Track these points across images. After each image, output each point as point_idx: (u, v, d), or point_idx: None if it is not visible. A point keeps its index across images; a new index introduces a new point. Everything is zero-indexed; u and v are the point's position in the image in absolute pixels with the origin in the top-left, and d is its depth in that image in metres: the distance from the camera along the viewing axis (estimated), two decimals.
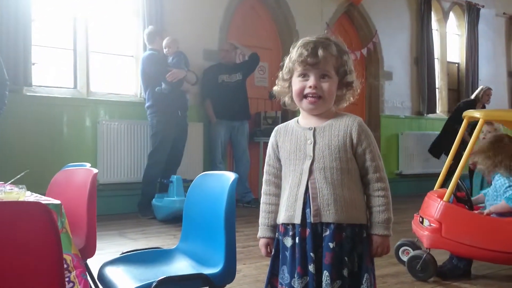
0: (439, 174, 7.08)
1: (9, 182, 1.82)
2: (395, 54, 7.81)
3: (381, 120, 7.61)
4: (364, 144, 1.52)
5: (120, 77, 5.69)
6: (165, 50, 5.25)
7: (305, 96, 1.51)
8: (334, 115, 1.57)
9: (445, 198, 2.87)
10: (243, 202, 5.91)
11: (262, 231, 1.62)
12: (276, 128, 1.65)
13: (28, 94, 4.94)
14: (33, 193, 1.77)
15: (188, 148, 5.55)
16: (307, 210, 1.50)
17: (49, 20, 5.26)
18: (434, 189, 3.27)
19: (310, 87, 1.49)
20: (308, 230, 1.49)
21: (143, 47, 5.46)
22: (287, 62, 1.55)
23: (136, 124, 5.47)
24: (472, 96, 6.87)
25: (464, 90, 8.72)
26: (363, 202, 1.54)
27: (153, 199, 5.02)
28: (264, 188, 1.64)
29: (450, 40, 8.84)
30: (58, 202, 1.52)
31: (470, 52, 8.75)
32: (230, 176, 1.72)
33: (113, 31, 5.64)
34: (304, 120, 1.59)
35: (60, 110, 5.09)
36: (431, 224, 2.86)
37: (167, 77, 5.06)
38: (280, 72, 1.58)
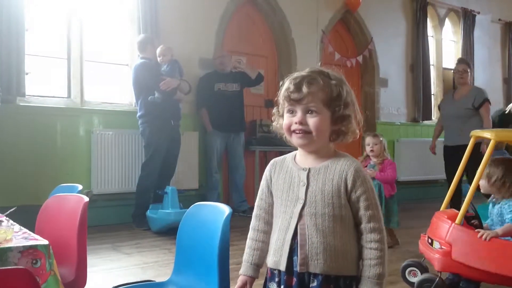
0: (435, 181, 7.12)
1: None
2: (391, 61, 7.79)
3: (377, 127, 7.58)
4: (359, 191, 1.42)
5: (114, 86, 5.64)
6: (159, 59, 5.19)
7: (294, 131, 1.45)
8: (333, 155, 1.48)
9: (457, 221, 2.81)
10: (239, 212, 5.88)
11: (244, 269, 1.55)
12: (272, 161, 1.57)
13: (21, 104, 4.89)
14: (21, 227, 1.73)
15: (184, 158, 5.51)
16: (294, 257, 1.42)
17: (42, 29, 5.21)
18: (441, 209, 3.21)
19: (296, 123, 1.43)
20: (294, 279, 1.41)
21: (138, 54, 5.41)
22: (279, 97, 1.49)
23: (131, 134, 5.42)
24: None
25: None
26: (356, 253, 1.44)
27: (148, 211, 4.98)
28: (252, 222, 1.57)
29: (445, 46, 8.83)
30: (46, 242, 1.49)
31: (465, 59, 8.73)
32: (225, 209, 1.69)
33: (107, 39, 5.59)
34: (300, 158, 1.51)
35: (54, 120, 5.05)
36: (442, 247, 2.81)
37: (160, 85, 5.01)
38: (275, 108, 1.52)
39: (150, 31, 5.48)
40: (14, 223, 1.83)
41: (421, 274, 3.07)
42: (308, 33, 6.91)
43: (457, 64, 5.60)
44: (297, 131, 1.43)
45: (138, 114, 5.18)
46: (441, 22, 8.68)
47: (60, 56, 5.28)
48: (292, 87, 1.41)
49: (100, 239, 4.46)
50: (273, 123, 1.53)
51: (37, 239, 1.54)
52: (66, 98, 5.30)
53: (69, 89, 5.31)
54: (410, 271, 3.16)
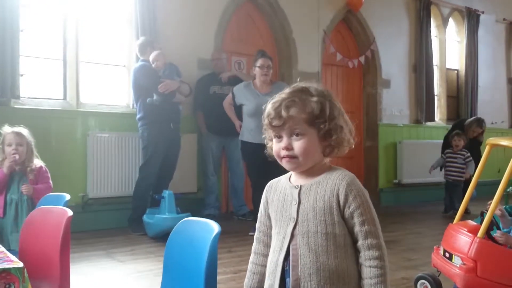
0: (437, 183, 7.00)
1: None
2: (393, 62, 7.68)
3: (379, 128, 7.48)
4: (352, 206, 1.33)
5: (111, 88, 5.54)
6: (153, 65, 5.05)
7: (283, 157, 1.39)
8: (327, 169, 1.41)
9: (479, 235, 2.68)
10: (238, 215, 5.79)
11: None
12: (269, 183, 1.52)
13: (16, 106, 4.80)
14: (0, 246, 1.63)
15: (181, 160, 5.40)
16: (287, 279, 1.35)
17: (37, 29, 5.12)
18: (455, 221, 3.08)
19: (283, 148, 1.37)
20: None
21: (136, 56, 5.30)
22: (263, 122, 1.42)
23: (128, 136, 5.33)
24: None
25: (463, 97, 8.61)
26: (355, 273, 1.35)
27: (144, 215, 4.88)
28: (253, 245, 1.52)
29: (449, 46, 8.72)
30: (20, 265, 1.38)
31: (469, 59, 8.63)
32: (214, 227, 1.59)
33: (104, 40, 5.50)
34: (294, 177, 1.45)
35: (49, 122, 4.95)
36: (464, 263, 2.68)
37: (159, 88, 4.92)
38: (264, 132, 1.45)
39: (149, 31, 5.38)
40: None
41: None
42: (309, 33, 6.81)
43: (263, 59, 4.87)
44: (285, 157, 1.38)
45: (138, 116, 5.09)
46: (444, 22, 8.56)
47: (56, 57, 5.19)
48: (272, 113, 1.36)
49: (94, 245, 4.37)
50: (267, 147, 1.47)
51: (12, 261, 1.44)
52: (61, 100, 5.21)
53: (65, 91, 5.22)
54: (421, 284, 3.04)
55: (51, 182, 3.33)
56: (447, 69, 8.64)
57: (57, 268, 1.84)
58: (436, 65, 8.41)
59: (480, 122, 6.59)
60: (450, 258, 2.80)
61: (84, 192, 5.07)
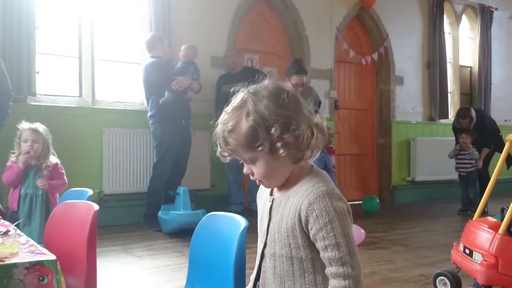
0: (451, 181, 6.96)
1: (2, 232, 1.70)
2: (407, 58, 7.64)
3: (392, 125, 7.45)
4: (314, 229, 1.16)
5: (126, 85, 5.57)
6: (180, 54, 5.20)
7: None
8: (303, 177, 1.24)
9: (501, 231, 2.68)
10: (252, 211, 5.80)
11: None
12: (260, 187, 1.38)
13: (32, 103, 4.84)
14: (28, 239, 1.66)
15: (194, 157, 5.42)
16: None
17: (53, 27, 5.15)
18: (475, 217, 3.08)
19: (246, 174, 1.27)
20: None
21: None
22: None
23: (142, 133, 5.36)
24: None
25: (476, 94, 8.55)
26: None
27: (159, 211, 4.91)
28: None
29: (462, 43, 8.66)
30: (53, 257, 1.40)
31: (483, 56, 8.57)
32: (241, 222, 1.60)
33: (119, 38, 5.53)
34: None
35: (65, 119, 4.98)
36: (485, 259, 2.68)
37: (172, 85, 4.94)
38: None
39: (163, 29, 5.40)
40: (22, 234, 1.76)
41: (452, 285, 2.94)
42: (322, 30, 6.79)
43: (298, 76, 4.79)
44: (254, 180, 1.28)
45: (149, 114, 5.11)
46: (458, 19, 8.50)
47: (72, 54, 5.22)
48: (219, 148, 1.25)
49: (111, 241, 4.40)
50: None
51: (44, 254, 1.46)
52: (77, 97, 5.25)
53: (81, 88, 5.26)
54: (441, 281, 3.03)
55: (65, 178, 3.37)
56: (460, 66, 8.59)
57: (83, 262, 1.86)
58: (450, 62, 8.36)
59: (462, 113, 6.45)
60: (470, 254, 2.79)
61: (99, 189, 5.11)
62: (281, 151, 1.17)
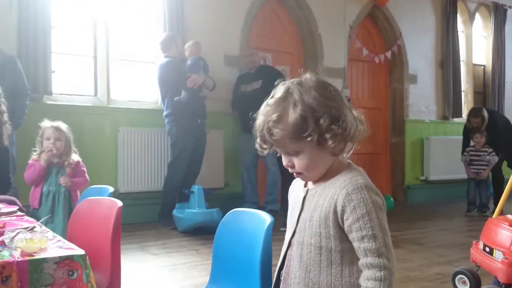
0: (465, 180, 6.93)
1: (30, 227, 1.71)
2: (420, 57, 7.60)
3: (406, 124, 7.42)
4: (350, 219, 1.16)
5: (140, 85, 5.60)
6: (186, 53, 5.18)
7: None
8: (341, 170, 1.25)
9: None
10: (267, 210, 5.78)
11: None
12: (294, 180, 1.39)
13: (48, 102, 4.88)
14: (55, 234, 1.67)
15: (208, 156, 5.43)
16: None
17: (69, 27, 5.19)
18: (494, 215, 3.05)
19: (286, 167, 1.27)
20: None
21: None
22: None
23: (157, 132, 5.38)
24: None
25: (490, 93, 8.49)
26: None
27: (174, 210, 4.93)
28: None
29: (476, 42, 8.59)
30: (82, 252, 1.42)
31: (496, 54, 8.50)
32: (266, 218, 1.60)
33: (133, 37, 5.56)
34: None
35: (81, 118, 5.01)
36: (506, 257, 2.65)
37: (187, 82, 4.95)
38: None
39: (176, 28, 5.42)
40: (47, 229, 1.77)
41: (471, 284, 2.92)
42: (335, 28, 6.78)
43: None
44: (293, 173, 1.28)
45: (165, 113, 5.13)
46: (471, 17, 8.44)
47: (87, 54, 5.25)
48: (258, 137, 1.24)
49: (127, 239, 4.42)
50: None
51: (72, 248, 1.47)
52: (92, 96, 5.28)
53: (96, 88, 5.29)
54: (460, 279, 3.01)
55: (87, 176, 3.39)
56: (474, 64, 8.53)
57: (107, 258, 1.88)
58: (463, 61, 8.30)
59: (473, 112, 6.33)
60: (490, 252, 2.77)
61: (115, 187, 5.13)
62: (330, 142, 1.18)
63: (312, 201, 1.25)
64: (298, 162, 1.23)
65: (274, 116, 1.19)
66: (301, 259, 1.23)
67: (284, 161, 1.25)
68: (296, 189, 1.35)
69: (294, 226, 1.27)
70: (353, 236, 1.17)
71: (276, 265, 1.35)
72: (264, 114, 1.22)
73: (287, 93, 1.21)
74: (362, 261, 1.16)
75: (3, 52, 4.32)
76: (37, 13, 4.72)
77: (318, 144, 1.19)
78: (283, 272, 1.29)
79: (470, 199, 6.21)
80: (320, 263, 1.20)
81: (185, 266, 3.61)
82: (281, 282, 1.27)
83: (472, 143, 6.20)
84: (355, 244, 1.17)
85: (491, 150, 6.13)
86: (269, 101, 1.23)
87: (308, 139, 1.18)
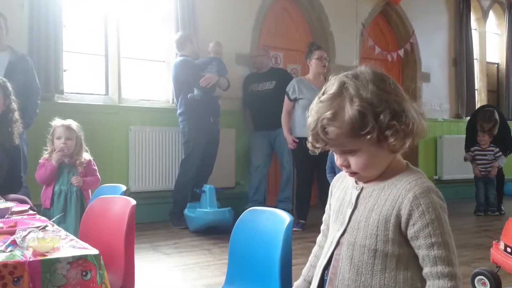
0: None
1: (42, 226, 1.68)
2: (433, 55, 7.51)
3: None
4: (418, 224, 1.09)
5: (151, 83, 5.57)
6: (210, 50, 5.25)
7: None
8: (400, 171, 1.18)
9: None
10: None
11: (298, 281, 1.38)
12: (338, 174, 1.35)
13: (59, 101, 4.86)
14: (67, 234, 1.63)
15: (219, 155, 5.38)
16: None
17: (80, 25, 5.17)
18: None
19: (340, 166, 1.19)
20: None
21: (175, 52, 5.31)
22: None
23: (168, 131, 5.35)
24: None
25: (504, 92, 8.37)
26: None
27: (185, 209, 4.89)
28: (318, 236, 1.40)
29: (489, 39, 8.48)
30: (96, 252, 1.37)
31: (510, 52, 8.39)
32: (285, 217, 1.55)
33: (144, 36, 5.53)
34: None
35: (92, 117, 4.97)
36: None
37: (200, 82, 4.92)
38: None
39: (188, 27, 5.38)
40: (60, 229, 1.74)
41: (491, 285, 2.85)
42: (347, 26, 6.71)
43: (320, 51, 5.01)
44: (347, 172, 1.21)
45: (178, 111, 5.10)
46: (485, 15, 8.33)
47: (98, 53, 5.23)
48: (311, 139, 1.16)
49: (138, 238, 4.34)
50: None
51: (86, 248, 1.43)
52: (104, 95, 5.26)
53: (107, 86, 5.27)
54: (479, 280, 2.94)
55: (98, 174, 3.36)
56: (487, 62, 8.42)
57: (120, 258, 1.84)
58: (476, 59, 8.20)
59: (486, 117, 6.15)
60: (511, 253, 2.70)
61: (126, 186, 5.10)
62: (391, 139, 1.10)
63: (369, 201, 1.17)
64: (355, 161, 1.15)
65: (328, 114, 1.10)
66: (351, 260, 1.16)
67: (339, 161, 1.18)
68: (345, 184, 1.27)
69: (345, 225, 1.19)
70: (419, 242, 1.10)
71: (296, 265, 1.30)
72: (316, 112, 1.13)
73: (342, 87, 1.12)
74: (431, 269, 1.09)
75: (14, 50, 4.30)
76: (48, 11, 4.70)
77: (378, 142, 1.11)
78: (328, 272, 1.21)
79: (479, 199, 6.13)
80: (373, 267, 1.13)
81: (198, 266, 3.57)
82: (326, 282, 1.20)
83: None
84: (422, 252, 1.10)
85: (497, 149, 6.02)
86: (322, 98, 1.14)
87: (368, 137, 1.10)
